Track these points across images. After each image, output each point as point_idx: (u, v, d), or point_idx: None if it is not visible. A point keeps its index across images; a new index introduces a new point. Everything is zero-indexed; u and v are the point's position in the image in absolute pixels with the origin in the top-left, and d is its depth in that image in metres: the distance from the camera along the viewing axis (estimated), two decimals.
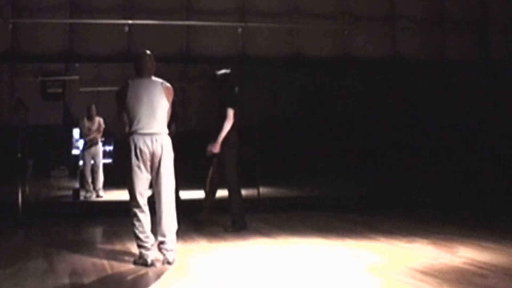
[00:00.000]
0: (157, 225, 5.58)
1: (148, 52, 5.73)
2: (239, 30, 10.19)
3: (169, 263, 5.53)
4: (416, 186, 10.67)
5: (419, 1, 11.04)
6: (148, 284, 5.11)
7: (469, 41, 11.07)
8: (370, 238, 6.99)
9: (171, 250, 5.59)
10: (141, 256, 5.55)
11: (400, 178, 10.79)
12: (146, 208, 5.57)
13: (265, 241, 6.90)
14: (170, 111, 5.71)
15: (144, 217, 5.56)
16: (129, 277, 5.24)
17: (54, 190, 11.69)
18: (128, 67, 11.14)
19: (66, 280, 5.12)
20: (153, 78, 5.70)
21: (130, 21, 9.78)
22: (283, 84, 12.52)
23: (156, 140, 5.50)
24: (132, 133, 5.55)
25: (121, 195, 10.87)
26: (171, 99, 5.68)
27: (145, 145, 5.46)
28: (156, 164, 5.51)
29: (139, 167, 5.48)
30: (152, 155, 5.48)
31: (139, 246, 5.56)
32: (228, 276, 5.29)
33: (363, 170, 11.68)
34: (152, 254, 5.53)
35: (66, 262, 5.83)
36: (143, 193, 5.55)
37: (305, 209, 9.33)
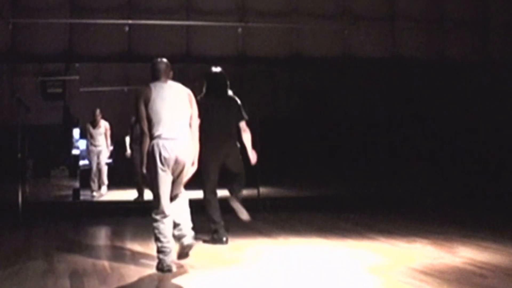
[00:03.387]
0: (176, 226, 5.50)
1: (164, 60, 5.58)
2: (239, 30, 10.20)
3: (188, 245, 5.47)
4: (416, 186, 10.67)
5: (419, 1, 11.04)
6: (148, 285, 5.12)
7: (469, 41, 11.07)
8: (370, 238, 6.99)
9: (187, 234, 5.50)
10: (160, 261, 5.40)
11: (400, 178, 10.79)
12: (168, 211, 5.40)
13: (265, 241, 6.90)
14: (196, 114, 5.59)
15: (167, 220, 5.40)
16: (129, 277, 5.24)
17: (54, 190, 11.69)
18: (128, 67, 11.23)
19: (66, 280, 5.12)
20: (172, 82, 5.57)
21: (130, 21, 9.79)
22: (283, 84, 12.52)
23: (179, 145, 5.36)
24: (155, 137, 5.35)
25: (121, 195, 10.96)
26: (192, 105, 5.56)
27: (169, 150, 5.30)
28: (178, 170, 5.40)
29: (164, 171, 5.33)
30: (175, 160, 5.34)
31: (159, 251, 5.40)
32: (228, 276, 5.29)
33: (363, 170, 11.68)
34: (169, 259, 5.38)
35: (66, 262, 5.83)
36: (166, 197, 5.39)
37: (305, 209, 9.33)
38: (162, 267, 5.38)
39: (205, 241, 6.74)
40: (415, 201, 10.06)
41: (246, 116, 6.81)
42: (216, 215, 6.70)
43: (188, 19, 10.13)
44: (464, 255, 5.96)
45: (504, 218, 8.61)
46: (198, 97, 6.69)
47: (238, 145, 6.85)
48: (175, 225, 5.49)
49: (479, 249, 6.21)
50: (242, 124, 6.78)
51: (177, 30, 10.12)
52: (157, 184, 5.35)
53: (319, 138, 11.95)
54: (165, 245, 5.37)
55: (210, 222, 6.71)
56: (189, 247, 5.50)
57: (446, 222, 8.22)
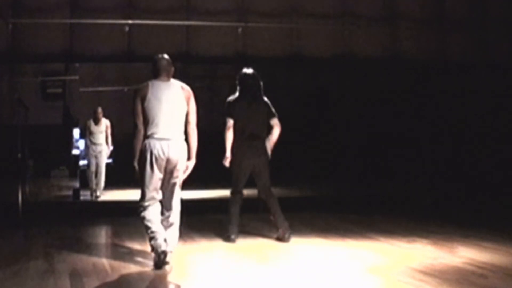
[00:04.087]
0: (163, 223, 5.60)
1: (166, 56, 5.68)
2: (239, 30, 10.19)
3: (162, 252, 5.44)
4: (416, 186, 10.67)
5: (419, 1, 11.04)
6: (148, 284, 5.11)
7: (469, 41, 11.07)
8: (370, 238, 6.99)
9: (170, 251, 5.55)
10: (153, 249, 5.44)
11: (400, 178, 10.79)
12: (154, 202, 5.52)
13: (265, 241, 6.90)
14: (194, 111, 5.64)
15: (153, 207, 5.51)
16: (129, 277, 5.24)
17: (54, 190, 11.69)
18: (128, 67, 11.22)
19: (66, 280, 5.12)
20: (172, 80, 5.64)
21: (130, 21, 9.78)
22: (283, 84, 12.52)
23: (172, 146, 5.46)
24: (148, 137, 5.47)
25: (121, 195, 10.95)
26: (190, 102, 5.62)
27: (160, 150, 5.41)
28: (170, 170, 5.49)
29: (152, 171, 5.44)
30: (167, 161, 5.45)
31: (150, 239, 5.45)
32: (228, 276, 5.29)
33: (363, 170, 11.68)
34: (164, 244, 5.40)
35: (66, 262, 5.83)
36: (154, 194, 5.52)
37: (305, 209, 9.33)
38: (157, 255, 5.37)
39: (222, 239, 6.84)
40: (415, 201, 10.05)
41: (275, 113, 6.95)
42: (235, 215, 6.83)
43: (188, 19, 10.13)
44: (464, 255, 5.96)
45: (504, 218, 8.62)
46: (231, 98, 6.88)
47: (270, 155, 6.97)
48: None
49: (479, 249, 6.22)
50: (275, 121, 6.92)
51: (177, 30, 10.12)
52: (144, 180, 5.48)
53: (319, 138, 11.95)
54: (153, 230, 5.44)
55: (227, 220, 6.84)
56: (164, 254, 5.41)
57: (446, 222, 8.22)
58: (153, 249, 5.44)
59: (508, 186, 10.21)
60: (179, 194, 5.68)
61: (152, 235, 5.43)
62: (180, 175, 5.58)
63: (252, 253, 6.27)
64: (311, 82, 12.07)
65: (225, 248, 6.52)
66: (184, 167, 5.57)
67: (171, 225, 5.60)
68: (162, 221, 5.60)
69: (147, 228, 5.49)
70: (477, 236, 6.97)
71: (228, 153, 6.75)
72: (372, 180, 11.48)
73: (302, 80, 12.19)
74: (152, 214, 5.51)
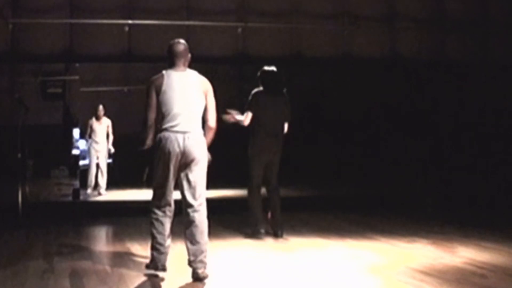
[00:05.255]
0: (186, 230, 5.10)
1: (182, 40, 5.35)
2: (239, 30, 10.19)
3: (198, 278, 5.06)
4: (416, 186, 10.66)
5: (419, 1, 11.04)
6: (148, 285, 5.11)
7: (469, 41, 11.07)
8: (370, 238, 6.99)
9: (201, 261, 5.08)
10: (152, 259, 5.25)
11: (400, 178, 10.78)
12: (168, 209, 5.20)
13: (265, 241, 6.91)
14: (212, 106, 5.25)
15: (165, 219, 5.20)
16: (129, 277, 5.24)
17: (54, 190, 11.69)
18: (128, 67, 11.21)
19: (66, 280, 5.12)
20: (189, 70, 5.32)
21: (130, 21, 9.78)
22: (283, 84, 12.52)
23: (189, 138, 5.02)
24: (163, 130, 5.08)
25: (122, 195, 10.97)
26: (208, 97, 5.23)
27: (176, 144, 4.99)
28: (187, 165, 5.04)
29: (166, 168, 5.02)
30: (183, 155, 5.00)
31: (153, 248, 5.22)
32: (228, 276, 5.29)
33: (363, 170, 11.67)
34: (164, 258, 5.23)
35: (66, 262, 5.83)
36: (167, 194, 5.14)
37: (305, 209, 9.33)
38: (154, 266, 5.24)
39: (246, 235, 6.99)
40: (415, 201, 10.05)
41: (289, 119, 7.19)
42: (258, 211, 6.97)
43: (188, 19, 10.13)
44: (464, 255, 5.97)
45: (504, 218, 8.62)
46: (256, 90, 7.04)
47: None
48: (189, 249, 5.10)
49: (479, 249, 6.22)
50: (286, 125, 7.19)
51: (177, 30, 10.10)
52: (157, 177, 5.12)
53: (318, 138, 11.94)
54: (159, 241, 5.19)
55: (250, 216, 6.98)
56: (204, 277, 5.05)
57: (446, 222, 8.22)
58: (152, 260, 5.26)
59: (508, 186, 10.21)
60: (204, 193, 5.15)
61: (156, 246, 5.20)
62: (201, 171, 5.11)
63: (252, 253, 6.27)
64: (310, 82, 12.06)
65: (225, 247, 6.52)
66: (204, 162, 5.12)
67: (197, 232, 5.04)
68: (186, 228, 5.08)
69: (153, 236, 5.21)
70: (477, 236, 6.97)
71: (236, 116, 6.82)
72: (373, 180, 11.47)
73: (302, 80, 12.19)
74: (162, 226, 5.18)
